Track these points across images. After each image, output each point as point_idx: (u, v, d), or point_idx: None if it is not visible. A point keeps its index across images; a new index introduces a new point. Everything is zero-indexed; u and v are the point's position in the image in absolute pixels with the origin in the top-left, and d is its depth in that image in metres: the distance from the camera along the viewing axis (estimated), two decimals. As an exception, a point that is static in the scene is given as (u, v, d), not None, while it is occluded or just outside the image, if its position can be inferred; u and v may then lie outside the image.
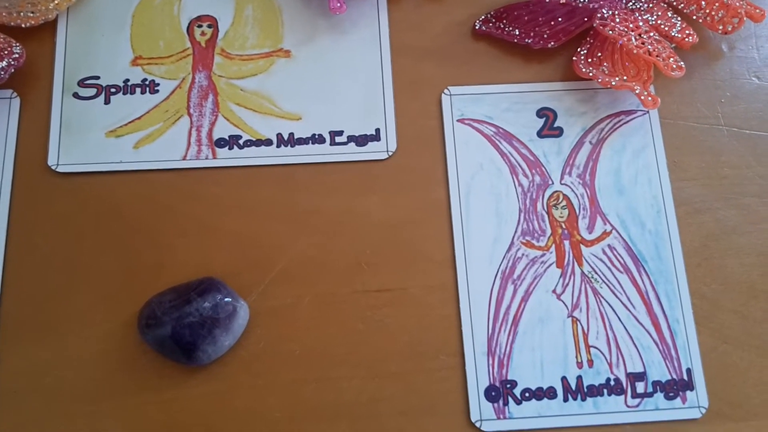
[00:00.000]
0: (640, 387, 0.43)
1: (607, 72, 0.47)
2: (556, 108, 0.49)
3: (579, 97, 0.49)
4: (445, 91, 0.49)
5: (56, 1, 0.48)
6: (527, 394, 0.43)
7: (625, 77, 0.47)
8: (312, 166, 0.47)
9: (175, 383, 0.42)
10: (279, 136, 0.47)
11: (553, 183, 0.47)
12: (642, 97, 0.46)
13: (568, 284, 0.45)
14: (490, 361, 0.44)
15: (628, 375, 0.44)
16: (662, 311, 0.45)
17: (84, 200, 0.46)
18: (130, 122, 0.47)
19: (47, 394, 0.42)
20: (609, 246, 0.46)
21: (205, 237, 0.45)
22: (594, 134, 0.48)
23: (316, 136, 0.48)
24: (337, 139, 0.48)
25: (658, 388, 0.43)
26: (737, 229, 0.47)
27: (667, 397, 0.43)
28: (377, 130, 0.48)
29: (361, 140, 0.48)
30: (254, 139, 0.47)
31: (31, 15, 0.48)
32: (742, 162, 0.48)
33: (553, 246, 0.46)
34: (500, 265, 0.45)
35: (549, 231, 0.46)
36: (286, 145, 0.47)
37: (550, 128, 0.48)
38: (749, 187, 0.48)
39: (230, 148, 0.47)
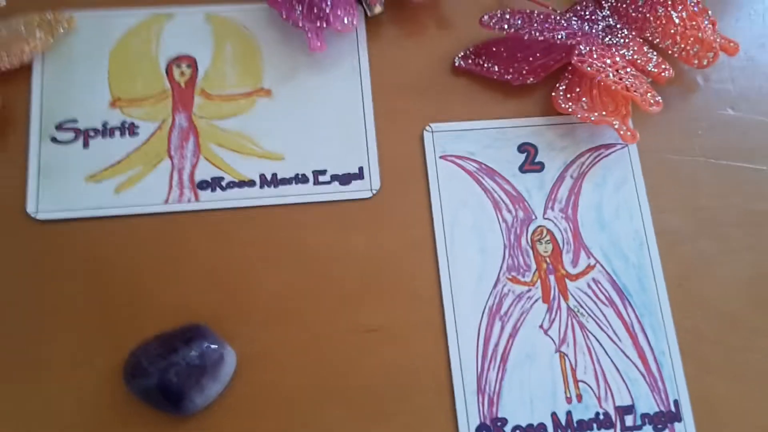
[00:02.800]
0: (629, 420, 0.44)
1: (586, 107, 0.48)
2: (537, 143, 0.49)
3: (559, 132, 0.50)
4: (427, 128, 0.49)
5: (32, 45, 0.47)
6: (518, 431, 0.43)
7: (604, 112, 0.48)
8: (296, 206, 0.47)
9: None
10: (262, 176, 0.47)
11: (536, 218, 0.48)
12: (621, 132, 0.47)
13: (554, 319, 0.45)
14: (480, 399, 0.43)
15: (617, 408, 0.44)
16: (648, 343, 0.45)
17: (65, 247, 0.45)
18: (110, 166, 0.47)
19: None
20: (593, 280, 0.46)
21: (190, 281, 0.45)
22: (575, 168, 0.49)
23: (300, 176, 0.47)
24: (321, 178, 0.48)
25: (646, 420, 0.43)
26: (717, 259, 0.48)
27: (656, 430, 0.43)
28: (360, 169, 0.48)
29: (345, 179, 0.48)
30: (237, 181, 0.47)
31: (7, 59, 0.47)
32: (720, 192, 0.49)
33: (539, 281, 0.46)
34: (487, 301, 0.45)
35: (534, 266, 0.46)
36: (269, 186, 0.47)
37: (531, 163, 0.49)
38: (727, 217, 0.49)
39: (213, 190, 0.47)
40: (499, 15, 0.50)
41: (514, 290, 0.46)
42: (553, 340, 0.45)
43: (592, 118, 0.47)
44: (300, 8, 0.48)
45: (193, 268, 0.45)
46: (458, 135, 0.49)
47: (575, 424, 0.43)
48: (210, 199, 0.46)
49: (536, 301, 0.46)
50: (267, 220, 0.47)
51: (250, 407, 0.42)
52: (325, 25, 0.48)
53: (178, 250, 0.46)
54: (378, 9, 0.50)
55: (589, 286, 0.46)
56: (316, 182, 0.47)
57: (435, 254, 0.46)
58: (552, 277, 0.46)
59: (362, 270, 0.46)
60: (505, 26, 0.49)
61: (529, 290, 0.46)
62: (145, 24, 0.50)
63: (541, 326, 0.45)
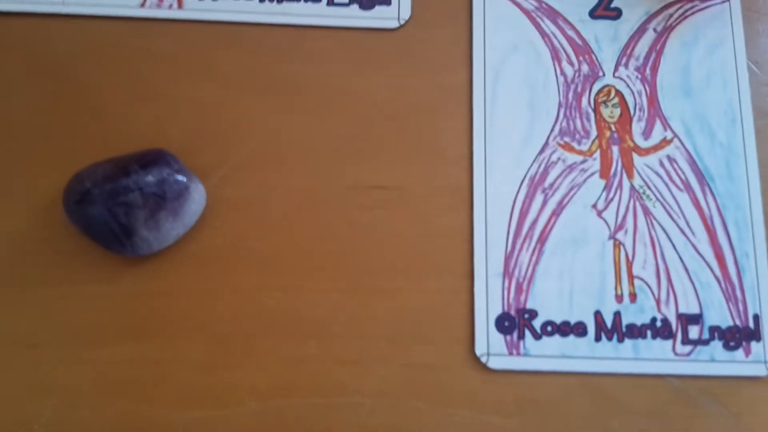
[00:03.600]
0: (694, 332, 0.34)
1: None
2: (615, -15, 0.39)
3: (645, -28, 0.39)
4: (478, -49, 0.39)
5: None
6: (549, 328, 0.34)
7: None
8: (302, 29, 0.38)
9: (106, 276, 0.33)
10: None
11: (604, 75, 0.37)
12: None
13: (612, 199, 0.36)
14: (506, 285, 0.34)
15: (680, 316, 0.34)
16: (729, 242, 0.35)
17: (12, 46, 0.37)
18: None
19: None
20: (668, 157, 0.36)
21: (161, 103, 0.36)
22: (660, 21, 0.38)
23: None
24: None
25: (716, 334, 0.34)
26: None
27: (727, 347, 0.34)
28: None
29: (367, 2, 0.38)
30: None
31: None
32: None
33: (598, 151, 0.36)
34: (529, 168, 0.36)
35: (594, 133, 0.37)
36: (271, 1, 0.38)
37: (606, 8, 0.39)
38: None
39: None
40: None
41: (565, 159, 0.36)
42: (607, 223, 0.35)
43: None
44: None
45: (167, 89, 0.37)
46: (516, -37, 0.39)
47: (623, 329, 0.34)
48: (196, 8, 0.37)
49: (592, 174, 0.36)
50: (264, 42, 0.37)
51: (215, 260, 0.34)
52: None
53: (151, 65, 0.37)
54: None
55: (661, 164, 0.36)
56: (331, 2, 0.38)
57: (470, 105, 0.37)
58: (615, 149, 0.36)
59: (376, 115, 0.37)
60: None
61: (585, 161, 0.36)
62: None
63: (594, 206, 0.35)
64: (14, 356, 0.32)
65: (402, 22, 0.38)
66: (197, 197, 0.33)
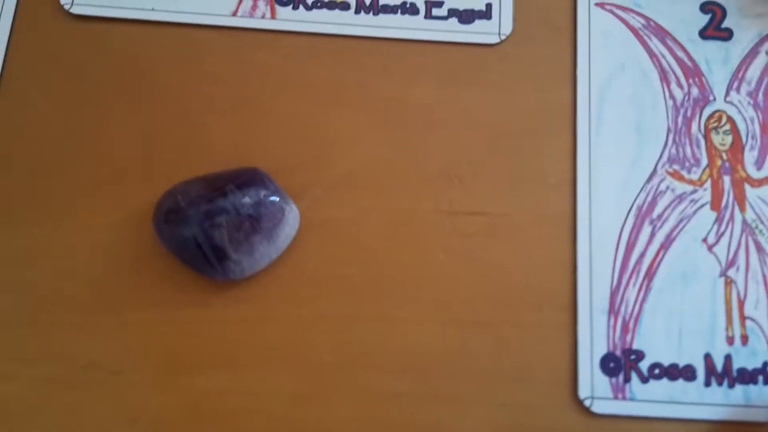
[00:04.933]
0: (811, 380, 0.32)
1: None
2: (726, 3, 0.36)
3: (760, -8, 0.37)
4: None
5: None
6: (657, 371, 0.32)
7: None
8: (399, 42, 0.36)
9: (195, 300, 0.32)
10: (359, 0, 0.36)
11: (715, 99, 0.35)
12: None
13: (724, 233, 0.34)
14: (612, 323, 0.32)
15: (795, 362, 0.32)
16: None
17: (100, 52, 0.35)
18: None
19: (25, 292, 0.32)
20: (784, 190, 0.34)
21: (252, 118, 0.35)
22: (775, 42, 0.36)
23: (408, 5, 0.36)
24: (435, 11, 0.36)
25: (834, 383, 0.32)
26: None
27: None
28: (488, 5, 0.36)
29: (466, 16, 0.36)
30: (327, 0, 0.36)
31: None
32: None
33: (709, 181, 0.34)
34: (636, 197, 0.34)
35: (705, 161, 0.34)
36: (367, 12, 0.36)
37: (716, 28, 0.36)
38: None
39: (295, 8, 0.36)
40: None
41: (674, 188, 0.34)
42: (718, 259, 0.33)
43: None
44: None
45: (257, 102, 0.35)
46: (624, -22, 0.36)
47: (734, 373, 0.32)
48: (290, 18, 0.36)
49: (703, 206, 0.34)
50: (359, 56, 0.36)
51: (308, 285, 0.33)
52: None
53: (242, 77, 0.35)
54: None
55: (776, 197, 0.34)
56: (429, 15, 0.36)
57: (574, 127, 0.35)
58: (727, 179, 0.34)
59: (475, 135, 0.35)
60: None
61: (695, 191, 0.34)
62: None
63: (704, 240, 0.33)
64: (98, 383, 0.31)
65: (503, 37, 0.36)
66: (291, 220, 0.32)
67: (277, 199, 0.31)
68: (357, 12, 0.36)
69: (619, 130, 0.35)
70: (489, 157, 0.35)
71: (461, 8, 0.36)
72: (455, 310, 0.33)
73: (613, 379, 0.32)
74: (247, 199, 0.30)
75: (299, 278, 0.32)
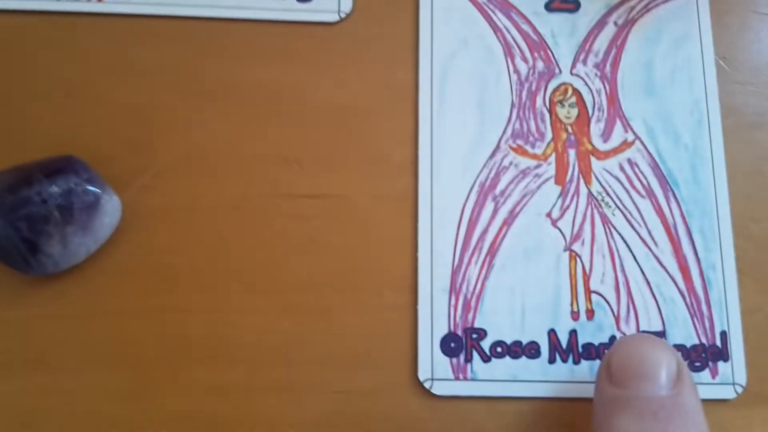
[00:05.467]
0: (656, 352, 0.31)
1: None
2: (574, -25, 0.36)
3: (605, -39, 0.36)
4: (425, -63, 0.36)
5: None
6: (499, 349, 0.31)
7: None
8: (233, 23, 0.35)
9: (9, 298, 0.30)
10: None
11: (560, 72, 0.35)
12: None
13: (568, 207, 0.33)
14: (453, 302, 0.31)
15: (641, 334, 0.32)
16: (694, 253, 0.33)
17: None
18: None
19: None
20: (629, 161, 0.34)
21: (76, 106, 0.33)
22: (621, 12, 0.35)
23: None
24: None
25: (681, 354, 0.31)
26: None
27: (692, 368, 0.31)
28: None
29: None
30: None
31: None
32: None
33: (554, 155, 0.33)
34: (479, 174, 0.33)
35: (550, 135, 0.34)
36: None
37: (563, 0, 0.36)
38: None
39: None
40: None
41: (518, 164, 0.33)
42: (563, 234, 0.33)
43: None
44: None
45: (81, 89, 0.33)
46: (466, -49, 0.36)
47: (580, 348, 0.31)
48: (117, 0, 0.34)
49: (547, 180, 0.33)
50: (191, 38, 0.34)
51: (132, 278, 0.31)
52: None
53: (64, 63, 0.34)
54: None
55: (621, 168, 0.33)
56: None
57: (416, 106, 0.34)
58: (573, 152, 0.33)
59: (315, 117, 0.34)
60: None
61: (539, 166, 0.33)
62: None
63: (548, 215, 0.33)
64: None
65: (343, 15, 0.35)
66: (110, 209, 0.30)
67: (93, 188, 0.30)
68: None
69: (462, 107, 0.34)
70: (327, 139, 0.33)
71: None
72: (291, 297, 0.31)
73: (454, 360, 0.31)
74: (55, 188, 0.29)
75: (123, 270, 0.31)
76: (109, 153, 0.32)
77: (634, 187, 0.33)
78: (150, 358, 0.30)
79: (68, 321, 0.30)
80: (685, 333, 0.32)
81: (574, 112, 0.34)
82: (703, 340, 0.32)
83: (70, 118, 0.33)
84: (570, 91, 0.34)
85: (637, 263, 0.32)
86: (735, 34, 0.36)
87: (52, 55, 0.34)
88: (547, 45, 0.35)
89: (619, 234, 0.33)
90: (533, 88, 0.34)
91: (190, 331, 0.31)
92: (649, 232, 0.33)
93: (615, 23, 0.36)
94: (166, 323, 0.31)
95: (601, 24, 0.35)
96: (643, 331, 0.32)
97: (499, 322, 0.32)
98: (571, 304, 0.32)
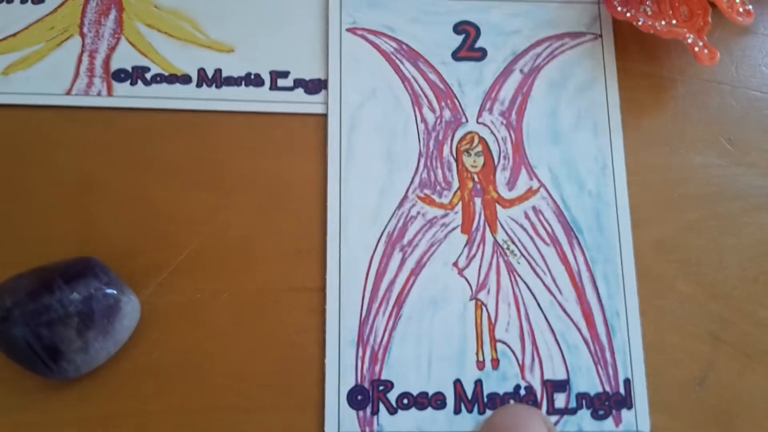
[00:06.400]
0: (560, 400, 0.32)
1: (650, 13, 0.35)
2: (480, 23, 0.37)
3: (511, 11, 0.37)
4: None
5: None
6: (406, 401, 0.31)
7: (674, 21, 0.34)
8: (244, 115, 0.35)
9: (33, 402, 0.30)
10: (201, 72, 0.35)
11: (467, 121, 0.35)
12: (696, 49, 0.34)
13: (474, 256, 0.33)
14: (360, 354, 0.32)
15: (545, 383, 0.32)
16: (598, 300, 0.33)
17: None
18: (1, 39, 0.35)
19: None
20: (534, 208, 0.34)
21: (91, 201, 0.33)
22: (527, 60, 0.36)
23: (253, 77, 0.35)
24: (281, 82, 0.35)
25: (584, 402, 0.32)
26: (701, 198, 0.35)
27: (596, 416, 0.32)
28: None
29: (313, 86, 0.35)
30: (167, 74, 0.35)
31: None
32: (712, 122, 0.37)
33: (460, 204, 0.34)
34: (387, 224, 0.33)
35: (456, 184, 0.34)
36: (210, 85, 0.35)
37: (470, 48, 0.36)
38: (714, 153, 0.36)
39: (133, 84, 0.35)
40: None
41: (425, 213, 0.34)
42: (469, 283, 0.33)
43: (658, 27, 0.34)
44: None
45: (97, 186, 0.33)
46: (373, 3, 0.36)
47: (485, 398, 0.32)
48: (128, 95, 0.35)
49: (453, 230, 0.34)
50: (203, 131, 0.34)
51: (154, 378, 0.31)
52: None
53: (79, 158, 0.34)
54: None
55: (527, 216, 0.34)
56: (274, 87, 0.35)
57: (324, 156, 0.34)
58: (479, 201, 0.34)
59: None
60: None
61: (446, 215, 0.34)
62: None
63: (455, 264, 0.33)
64: None
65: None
66: (130, 311, 0.30)
67: (112, 291, 0.30)
68: (199, 85, 0.35)
69: (370, 158, 0.34)
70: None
71: (307, 78, 0.35)
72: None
73: (360, 412, 0.31)
74: (75, 295, 0.29)
75: (143, 371, 0.31)
76: (124, 250, 0.32)
77: (539, 235, 0.34)
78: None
79: (90, 424, 0.30)
80: (589, 381, 0.32)
81: (480, 160, 0.35)
82: (607, 388, 0.32)
83: (84, 215, 0.33)
84: (476, 140, 0.35)
85: (542, 311, 0.33)
86: (639, 79, 0.37)
87: (67, 151, 0.34)
88: (454, 94, 0.36)
89: (524, 282, 0.33)
90: (440, 137, 0.35)
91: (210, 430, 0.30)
92: (554, 280, 0.33)
93: (521, 71, 0.36)
94: (185, 424, 0.30)
95: (507, 72, 0.36)
96: (547, 380, 0.32)
97: (405, 373, 0.32)
98: (477, 353, 0.32)
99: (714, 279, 0.34)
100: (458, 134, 0.35)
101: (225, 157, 0.34)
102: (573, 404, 0.32)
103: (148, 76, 0.35)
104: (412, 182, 0.34)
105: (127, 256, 0.32)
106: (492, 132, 0.35)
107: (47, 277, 0.29)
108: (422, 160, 0.35)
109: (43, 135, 0.34)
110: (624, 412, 0.32)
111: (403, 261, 0.33)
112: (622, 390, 0.32)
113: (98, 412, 0.30)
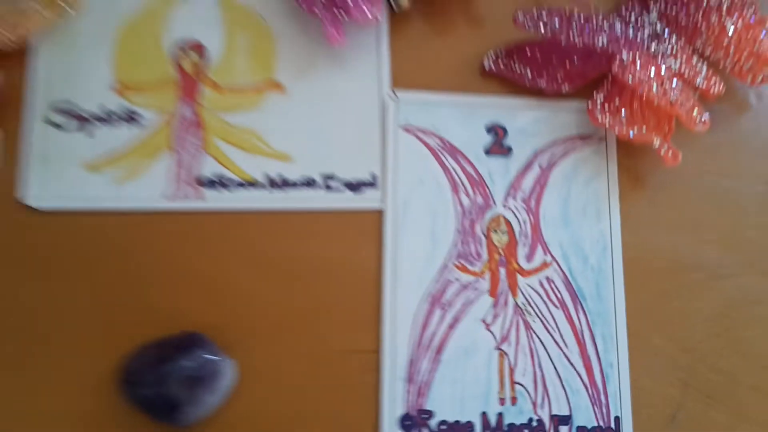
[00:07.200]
0: (564, 431, 0.41)
1: (624, 121, 0.43)
2: (508, 125, 0.46)
3: (533, 117, 0.46)
4: (390, 94, 0.46)
5: (34, 22, 0.42)
6: (444, 427, 0.41)
7: (644, 127, 0.43)
8: (307, 213, 0.43)
9: None
10: (268, 177, 0.43)
11: (495, 205, 0.44)
12: (662, 152, 0.43)
13: (499, 315, 0.42)
14: (409, 388, 0.41)
15: (553, 417, 0.41)
16: (596, 353, 0.42)
17: (59, 239, 0.41)
18: (110, 156, 0.43)
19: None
20: (547, 278, 0.43)
21: (191, 285, 0.41)
22: (545, 157, 0.45)
23: (308, 180, 0.44)
24: (331, 183, 0.44)
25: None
26: (687, 273, 0.44)
27: (591, 445, 0.41)
28: (374, 176, 0.44)
29: (357, 185, 0.44)
30: (242, 180, 0.43)
31: (7, 36, 0.42)
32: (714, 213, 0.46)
33: (488, 272, 0.43)
34: (430, 287, 0.43)
35: (485, 256, 0.43)
36: (277, 188, 0.43)
37: (499, 146, 0.46)
38: (705, 238, 0.45)
39: (217, 190, 0.43)
40: (535, 14, 0.44)
41: (460, 279, 0.43)
42: (494, 335, 0.42)
43: (631, 135, 0.42)
44: (320, -3, 0.44)
45: (194, 272, 0.42)
46: (422, 107, 0.46)
47: (505, 427, 0.41)
48: (213, 199, 0.43)
49: (482, 293, 0.43)
50: (275, 225, 0.43)
51: (248, 423, 0.40)
52: (345, 17, 0.42)
53: (178, 252, 0.42)
54: (405, 2, 0.45)
55: (541, 284, 0.43)
56: (327, 188, 0.44)
57: (378, 240, 0.43)
58: (503, 270, 0.43)
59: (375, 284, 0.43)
60: (541, 27, 0.44)
61: (477, 281, 0.43)
62: (154, 6, 0.46)
63: (483, 320, 0.42)
64: None
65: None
66: (228, 372, 0.39)
67: (214, 357, 0.39)
68: (270, 189, 0.43)
69: (417, 235, 0.43)
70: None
71: (352, 179, 0.44)
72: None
73: (408, 436, 0.40)
74: (189, 363, 0.38)
75: (240, 418, 0.40)
76: (220, 323, 0.41)
77: (550, 300, 0.43)
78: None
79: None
80: (587, 417, 0.41)
81: (505, 238, 0.44)
82: (601, 423, 0.41)
83: (186, 297, 0.41)
84: (502, 221, 0.44)
85: (551, 361, 0.42)
86: (636, 173, 0.45)
87: (169, 246, 0.42)
88: (486, 183, 0.45)
89: (538, 337, 0.42)
90: (474, 217, 0.44)
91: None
92: (562, 336, 0.42)
93: (540, 165, 0.45)
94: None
95: (528, 166, 0.45)
96: (554, 415, 0.41)
97: (443, 406, 0.41)
98: (499, 392, 0.41)
99: (683, 336, 0.42)
100: (488, 216, 0.44)
101: (294, 247, 0.42)
102: (573, 435, 0.41)
103: (227, 182, 0.43)
104: (450, 253, 0.44)
105: (221, 328, 0.40)
106: (515, 215, 0.44)
107: (166, 350, 0.38)
108: (459, 236, 0.44)
109: (149, 234, 0.42)
110: (614, 443, 0.41)
111: (442, 317, 0.43)
112: (612, 425, 0.41)
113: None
